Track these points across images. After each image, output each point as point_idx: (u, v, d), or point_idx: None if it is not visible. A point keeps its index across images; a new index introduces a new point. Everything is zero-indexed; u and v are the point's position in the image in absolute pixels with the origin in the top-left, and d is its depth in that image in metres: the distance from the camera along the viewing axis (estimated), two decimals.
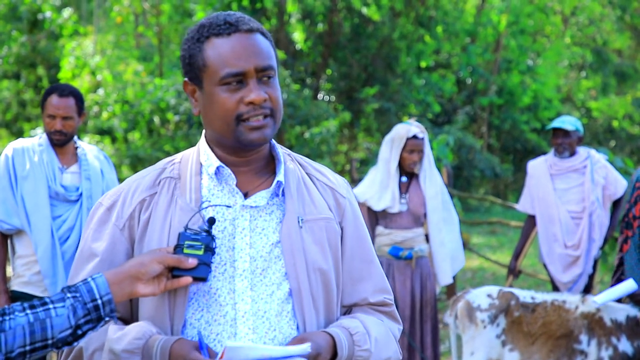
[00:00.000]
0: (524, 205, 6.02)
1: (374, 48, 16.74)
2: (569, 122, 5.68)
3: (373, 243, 5.13)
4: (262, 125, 1.88)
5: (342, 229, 2.03)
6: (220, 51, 1.86)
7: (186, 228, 1.84)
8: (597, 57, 21.64)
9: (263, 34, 1.92)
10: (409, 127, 5.15)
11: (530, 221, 6.00)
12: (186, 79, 1.95)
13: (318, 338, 1.86)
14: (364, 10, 16.67)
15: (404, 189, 5.16)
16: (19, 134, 23.74)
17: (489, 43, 19.47)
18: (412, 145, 5.10)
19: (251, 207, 1.94)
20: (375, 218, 5.20)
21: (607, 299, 4.24)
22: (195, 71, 1.91)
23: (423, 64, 17.67)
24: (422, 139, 5.13)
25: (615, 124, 21.23)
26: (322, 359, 1.84)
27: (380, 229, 5.17)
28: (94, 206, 2.01)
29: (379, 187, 5.14)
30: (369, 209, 5.16)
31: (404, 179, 5.17)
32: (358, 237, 2.06)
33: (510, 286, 6.10)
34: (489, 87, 18.82)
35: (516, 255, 6.05)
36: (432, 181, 5.17)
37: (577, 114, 20.95)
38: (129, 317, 1.95)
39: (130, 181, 2.00)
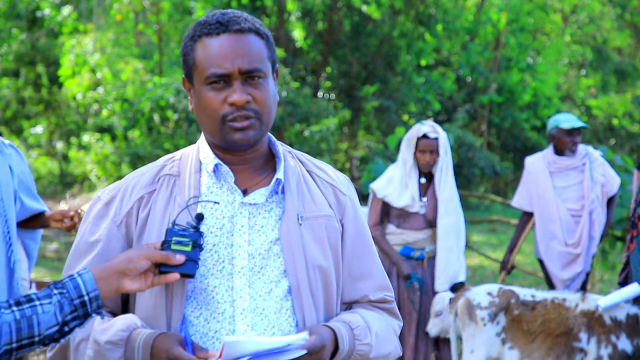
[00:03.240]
0: (519, 201, 5.96)
1: (373, 46, 16.72)
2: (579, 119, 5.68)
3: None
4: (246, 127, 1.89)
5: (342, 226, 2.02)
6: (207, 51, 1.88)
7: (174, 224, 1.84)
8: (597, 55, 21.62)
9: (258, 34, 1.91)
10: (420, 127, 5.15)
11: (526, 217, 5.96)
12: (184, 75, 1.97)
13: (321, 330, 1.87)
14: (364, 8, 16.64)
15: (422, 191, 5.14)
16: (19, 131, 23.77)
17: (488, 41, 19.45)
18: (423, 145, 5.09)
19: (250, 204, 1.94)
20: (387, 214, 5.18)
21: (611, 303, 4.23)
22: (188, 69, 1.93)
23: (423, 62, 17.65)
24: (435, 139, 5.09)
25: (615, 122, 21.21)
26: (325, 351, 1.85)
27: (391, 228, 5.16)
28: (92, 200, 2.02)
29: (398, 184, 5.14)
30: (385, 204, 5.14)
31: (423, 180, 5.15)
32: (359, 234, 2.06)
33: (503, 281, 6.11)
34: (489, 85, 18.80)
35: (510, 250, 6.01)
36: (446, 184, 5.12)
37: (577, 112, 20.93)
38: (119, 312, 1.95)
39: (130, 178, 2.01)
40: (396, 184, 5.14)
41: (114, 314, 1.93)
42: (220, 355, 1.73)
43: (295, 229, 1.92)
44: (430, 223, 5.14)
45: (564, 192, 5.73)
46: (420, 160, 5.11)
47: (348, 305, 2.06)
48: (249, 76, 1.87)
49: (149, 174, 1.99)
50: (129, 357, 1.80)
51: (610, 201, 5.82)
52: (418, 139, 5.10)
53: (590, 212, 5.61)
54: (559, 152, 5.76)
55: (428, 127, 5.13)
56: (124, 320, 1.83)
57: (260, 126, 1.91)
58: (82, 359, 1.87)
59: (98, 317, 1.85)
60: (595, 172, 5.65)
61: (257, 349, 1.73)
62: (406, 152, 5.16)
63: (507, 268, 5.99)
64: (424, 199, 5.12)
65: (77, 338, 1.86)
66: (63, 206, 3.96)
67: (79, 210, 3.88)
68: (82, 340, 1.86)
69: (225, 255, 1.90)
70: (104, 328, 1.82)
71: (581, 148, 5.76)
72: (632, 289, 4.12)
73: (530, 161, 5.91)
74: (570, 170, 5.72)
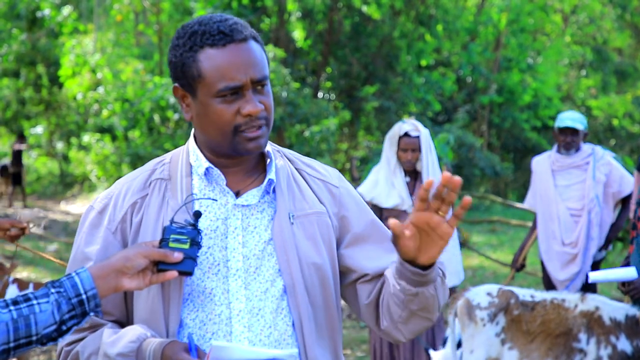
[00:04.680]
0: (529, 201, 5.97)
1: (374, 46, 16.72)
2: (579, 120, 5.61)
3: None
4: (259, 136, 1.89)
5: (344, 218, 2.02)
6: (216, 63, 1.85)
7: (172, 222, 1.83)
8: (597, 56, 21.63)
9: (255, 39, 1.92)
10: (401, 125, 5.19)
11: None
12: (177, 84, 1.93)
13: None
14: (364, 8, 16.65)
15: (410, 189, 5.15)
16: (19, 131, 23.77)
17: (489, 41, 19.46)
18: (405, 144, 5.11)
19: (243, 205, 1.94)
20: (381, 217, 5.16)
21: (602, 278, 4.23)
22: (188, 80, 1.89)
23: (423, 63, 17.65)
24: (417, 137, 5.12)
25: (615, 122, 21.21)
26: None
27: None
28: (86, 210, 2.01)
29: (385, 185, 5.15)
30: (375, 207, 5.13)
31: (407, 179, 5.17)
32: (365, 218, 2.05)
33: (512, 279, 6.12)
34: (489, 85, 18.81)
35: (521, 249, 6.03)
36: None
37: None
38: (125, 320, 1.94)
39: (120, 184, 2.00)
40: (382, 184, 5.16)
41: (121, 323, 1.93)
42: (207, 358, 1.73)
43: (287, 228, 1.93)
44: None
45: (566, 191, 5.69)
46: (402, 158, 5.13)
47: (375, 276, 2.01)
48: (259, 84, 1.88)
49: (140, 178, 1.99)
50: None
51: (624, 203, 5.74)
52: (400, 137, 5.13)
53: (589, 211, 5.58)
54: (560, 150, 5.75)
55: (409, 125, 5.16)
56: (134, 331, 1.82)
57: (268, 132, 1.92)
58: None
59: (107, 330, 1.85)
60: (598, 172, 5.60)
61: (242, 357, 1.73)
62: (389, 151, 5.20)
63: (516, 266, 6.02)
64: (413, 198, 5.11)
65: (86, 353, 1.86)
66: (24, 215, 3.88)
67: (30, 224, 3.82)
68: (91, 355, 1.85)
69: (220, 257, 1.90)
70: (113, 340, 1.81)
71: (586, 147, 5.71)
72: (627, 272, 4.12)
73: (537, 160, 5.90)
74: (573, 169, 5.68)
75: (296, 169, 2.05)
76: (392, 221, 1.74)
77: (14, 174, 18.64)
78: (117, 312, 1.93)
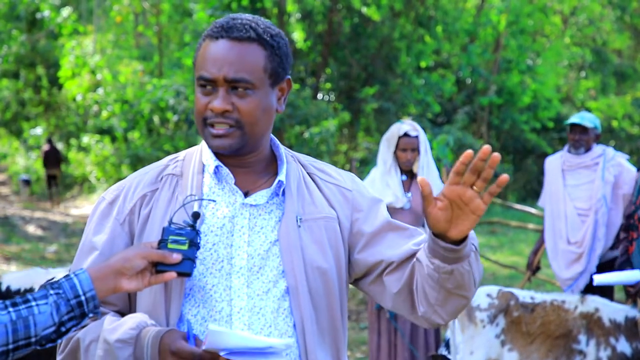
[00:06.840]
0: (542, 201, 6.00)
1: (373, 48, 16.72)
2: (588, 119, 5.62)
3: None
4: (224, 135, 1.91)
5: (357, 220, 2.03)
6: (204, 53, 1.92)
7: (170, 223, 1.84)
8: (596, 57, 21.64)
9: (261, 44, 1.91)
10: (400, 126, 5.28)
11: None
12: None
13: None
14: (364, 10, 16.64)
15: (406, 187, 5.23)
16: (18, 133, 23.82)
17: (488, 43, 19.45)
18: (404, 144, 5.21)
19: (251, 205, 1.95)
20: None
21: (606, 281, 4.24)
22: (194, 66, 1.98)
23: (423, 64, 17.64)
24: (415, 137, 5.22)
25: (614, 124, 21.20)
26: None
27: None
28: (97, 200, 2.04)
29: (379, 185, 5.25)
30: None
31: (404, 177, 5.23)
32: (380, 218, 2.05)
33: (529, 280, 6.25)
34: (489, 87, 18.80)
35: (535, 251, 6.05)
36: (430, 180, 5.21)
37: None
38: (128, 311, 1.95)
39: (133, 177, 2.03)
40: (377, 184, 5.26)
41: (123, 314, 1.94)
42: (203, 344, 1.74)
43: (294, 231, 1.94)
44: (419, 219, 5.18)
45: (575, 191, 5.70)
46: (401, 158, 5.22)
47: (400, 261, 2.00)
48: (234, 85, 1.89)
49: (152, 172, 2.01)
50: (138, 355, 1.80)
51: None
52: (399, 137, 5.22)
53: (596, 211, 5.57)
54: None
55: (408, 125, 5.27)
56: (134, 319, 1.84)
57: (242, 135, 1.91)
58: None
59: (109, 318, 1.86)
60: (607, 172, 5.59)
61: (238, 344, 1.72)
62: (386, 152, 5.29)
63: (532, 269, 6.06)
64: (409, 194, 5.20)
65: (87, 340, 1.86)
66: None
67: None
68: (92, 342, 1.86)
69: (225, 255, 1.91)
70: (114, 327, 1.83)
71: (598, 148, 5.71)
72: (631, 274, 4.13)
73: (549, 160, 5.93)
74: (582, 169, 5.68)
75: (308, 173, 2.07)
76: (421, 178, 1.74)
77: (50, 176, 18.75)
78: (121, 302, 1.95)
